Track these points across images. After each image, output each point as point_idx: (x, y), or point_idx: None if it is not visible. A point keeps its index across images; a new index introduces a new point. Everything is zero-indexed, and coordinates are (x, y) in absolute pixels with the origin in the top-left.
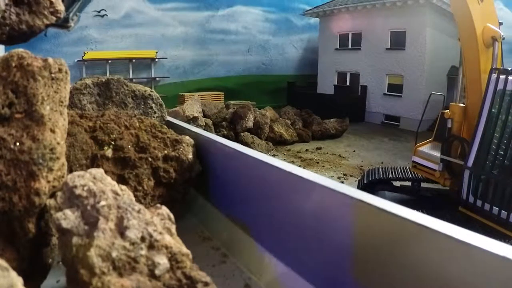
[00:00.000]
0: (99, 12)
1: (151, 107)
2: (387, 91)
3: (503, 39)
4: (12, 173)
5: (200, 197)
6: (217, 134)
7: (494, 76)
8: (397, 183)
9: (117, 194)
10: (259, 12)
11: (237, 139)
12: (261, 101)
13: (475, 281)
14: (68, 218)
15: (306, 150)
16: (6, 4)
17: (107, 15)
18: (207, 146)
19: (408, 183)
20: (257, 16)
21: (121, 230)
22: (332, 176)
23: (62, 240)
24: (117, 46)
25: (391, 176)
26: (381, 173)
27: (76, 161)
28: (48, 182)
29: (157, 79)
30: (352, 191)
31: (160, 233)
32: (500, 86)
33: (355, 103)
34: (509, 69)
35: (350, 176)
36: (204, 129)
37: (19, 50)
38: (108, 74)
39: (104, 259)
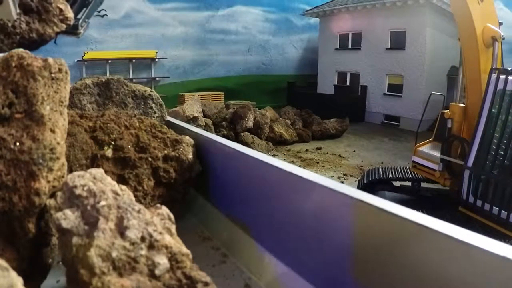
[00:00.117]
0: (99, 12)
1: (151, 107)
2: (387, 91)
3: (503, 39)
4: (12, 173)
5: (200, 197)
6: (217, 134)
7: (494, 76)
8: (397, 183)
9: (117, 194)
10: (259, 12)
11: (237, 139)
12: (261, 101)
13: (475, 281)
14: (68, 218)
15: (306, 150)
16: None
17: (107, 15)
18: (207, 146)
19: (408, 183)
20: (257, 16)
21: (121, 230)
22: (332, 176)
23: (62, 240)
24: (117, 46)
25: (391, 176)
26: (381, 173)
27: (76, 161)
28: (48, 182)
29: (157, 79)
30: (352, 191)
31: (160, 233)
32: (500, 86)
33: (355, 103)
34: (509, 69)
35: (350, 176)
36: (204, 129)
37: (19, 50)
38: (108, 74)
39: (104, 259)
